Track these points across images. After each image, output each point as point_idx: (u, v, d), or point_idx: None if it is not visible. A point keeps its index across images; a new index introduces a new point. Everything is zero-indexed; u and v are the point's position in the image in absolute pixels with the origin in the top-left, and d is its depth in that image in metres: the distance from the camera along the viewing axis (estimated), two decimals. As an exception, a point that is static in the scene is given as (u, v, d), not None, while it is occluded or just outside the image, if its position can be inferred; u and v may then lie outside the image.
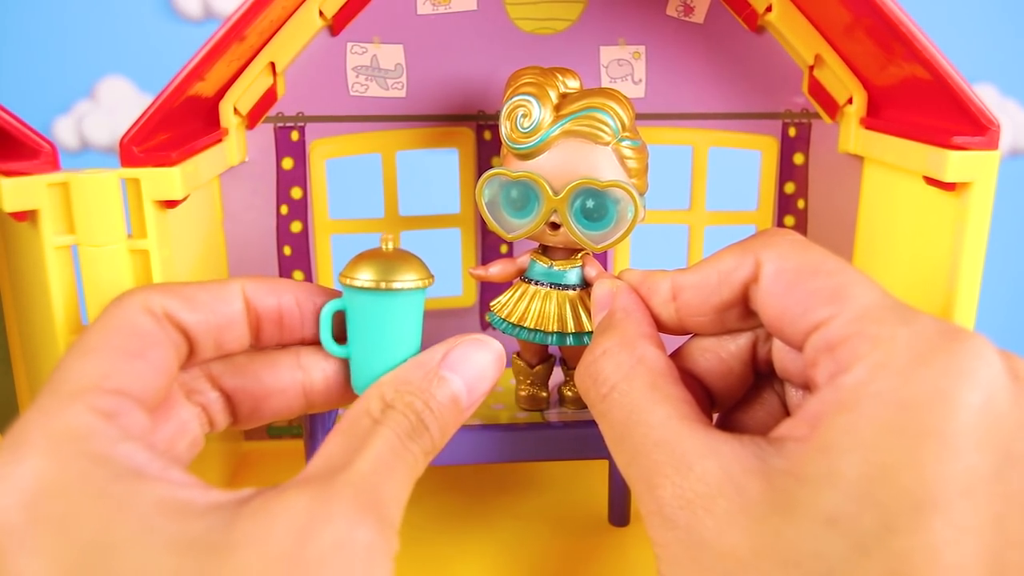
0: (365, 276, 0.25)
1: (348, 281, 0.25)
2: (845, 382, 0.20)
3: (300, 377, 0.26)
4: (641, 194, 0.32)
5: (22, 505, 0.19)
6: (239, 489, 0.21)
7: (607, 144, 0.30)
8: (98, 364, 0.21)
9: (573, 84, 0.32)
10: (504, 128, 0.31)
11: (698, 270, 0.25)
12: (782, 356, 0.25)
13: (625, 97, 0.31)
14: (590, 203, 0.31)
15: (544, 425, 0.34)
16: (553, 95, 0.31)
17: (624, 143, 0.31)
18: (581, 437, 0.33)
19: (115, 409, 0.21)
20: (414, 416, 0.23)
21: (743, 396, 0.27)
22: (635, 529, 0.36)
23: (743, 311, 0.25)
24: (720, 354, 0.26)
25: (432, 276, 0.26)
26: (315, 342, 0.26)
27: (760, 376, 0.27)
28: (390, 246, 0.26)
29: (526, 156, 0.31)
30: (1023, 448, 0.19)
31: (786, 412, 0.26)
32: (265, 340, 0.26)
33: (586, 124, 0.30)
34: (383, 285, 0.25)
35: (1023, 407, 0.20)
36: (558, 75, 0.32)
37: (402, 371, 0.25)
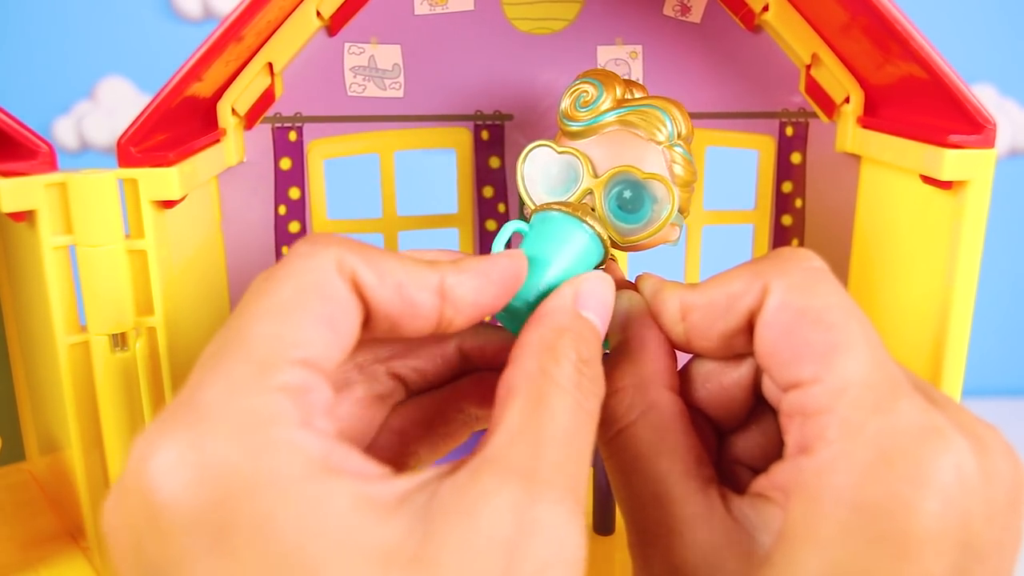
0: (563, 207, 0.28)
1: (545, 206, 0.28)
2: (808, 466, 0.20)
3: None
4: (682, 209, 0.31)
5: (210, 499, 0.17)
6: (417, 472, 0.19)
7: (660, 144, 0.30)
8: (290, 330, 0.19)
9: (639, 95, 0.32)
10: (563, 104, 0.31)
11: (707, 290, 0.24)
12: (769, 385, 0.24)
13: (687, 112, 0.31)
14: (627, 193, 0.30)
15: None
16: (619, 91, 0.31)
17: (677, 149, 0.30)
18: None
19: (304, 384, 0.19)
20: (584, 367, 0.21)
21: (746, 418, 0.26)
22: (620, 537, 0.36)
23: (750, 338, 0.24)
24: (722, 382, 0.25)
25: (610, 249, 0.29)
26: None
27: (760, 398, 0.26)
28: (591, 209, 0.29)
29: (576, 135, 0.30)
30: (988, 537, 0.20)
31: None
32: (455, 328, 0.23)
33: (643, 117, 0.30)
34: (579, 215, 0.27)
35: (992, 484, 0.20)
36: (630, 84, 0.31)
37: (549, 315, 0.23)
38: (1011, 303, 0.81)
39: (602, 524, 0.36)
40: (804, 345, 0.21)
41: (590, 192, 0.30)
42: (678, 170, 0.30)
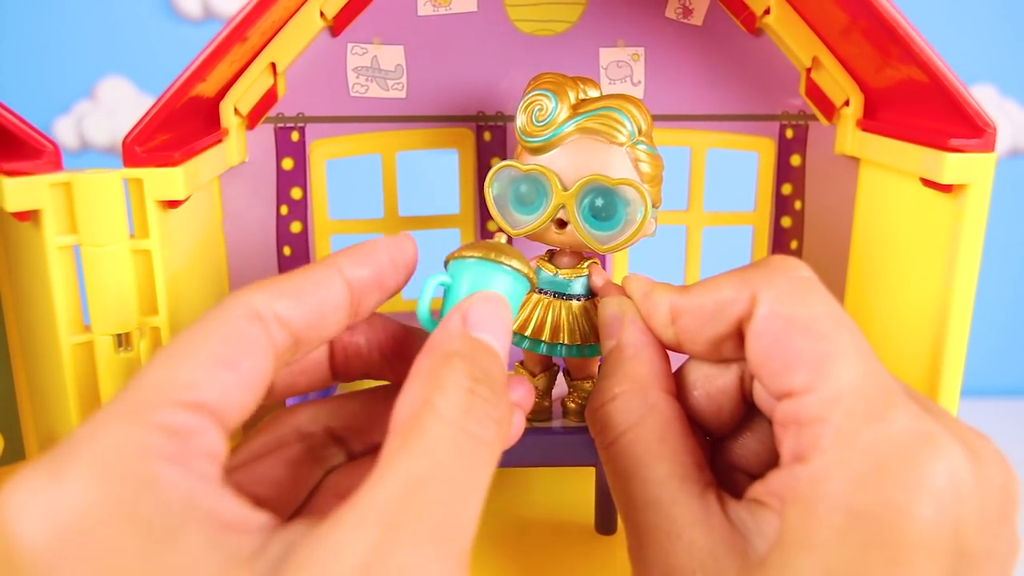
0: (476, 252, 0.26)
1: (458, 254, 0.26)
2: (804, 474, 0.20)
3: (325, 350, 0.25)
4: (654, 204, 0.31)
5: (55, 535, 0.16)
6: (291, 523, 0.18)
7: (622, 145, 0.30)
8: (183, 372, 0.19)
9: (593, 93, 0.32)
10: (519, 120, 0.31)
11: (696, 295, 0.24)
12: (762, 394, 0.24)
13: (644, 105, 0.31)
14: (599, 201, 0.30)
15: (545, 431, 0.34)
16: (572, 96, 0.31)
17: (640, 147, 0.30)
18: (576, 443, 0.33)
19: (187, 426, 0.18)
20: (477, 387, 0.20)
21: (736, 425, 0.26)
22: (621, 538, 0.36)
23: (738, 343, 0.24)
24: (708, 390, 0.25)
25: (535, 280, 0.27)
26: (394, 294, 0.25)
27: (750, 404, 0.26)
28: (503, 239, 0.28)
29: (538, 150, 0.31)
30: (980, 545, 0.20)
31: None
32: (363, 314, 0.24)
33: (602, 122, 0.30)
34: (492, 257, 0.26)
35: (985, 493, 0.20)
36: (580, 83, 0.31)
37: (437, 342, 0.22)
38: (1010, 303, 0.81)
39: (603, 524, 0.36)
40: (795, 354, 0.21)
41: (562, 206, 0.30)
42: (644, 168, 0.30)
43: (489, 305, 0.23)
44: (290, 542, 0.17)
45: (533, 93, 0.31)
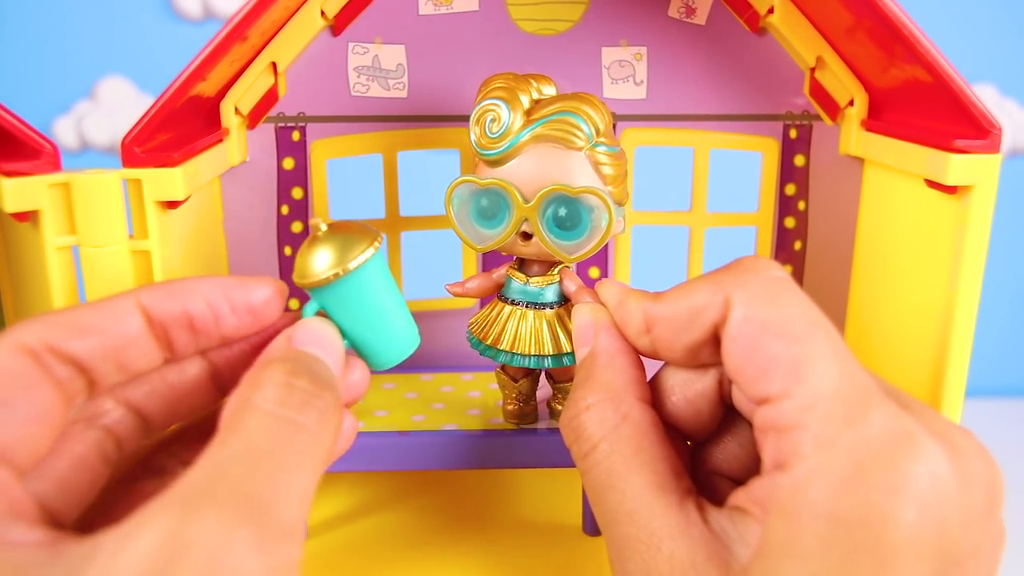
0: (322, 266, 0.24)
1: (308, 281, 0.24)
2: (785, 482, 0.20)
3: (206, 366, 0.25)
4: (619, 203, 0.30)
5: None
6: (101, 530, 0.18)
7: (580, 149, 0.29)
8: None
9: (548, 91, 0.31)
10: (473, 134, 0.30)
11: (670, 302, 0.24)
12: (741, 398, 0.24)
13: (601, 102, 0.30)
14: (562, 211, 0.29)
15: (531, 432, 0.34)
16: (525, 100, 0.30)
17: (599, 148, 0.29)
18: (562, 445, 0.33)
19: None
20: (295, 380, 0.21)
21: (716, 429, 0.26)
22: None
23: (715, 349, 0.23)
24: (686, 395, 0.25)
25: (379, 233, 0.25)
26: (237, 338, 0.24)
27: (730, 408, 0.25)
28: (323, 228, 0.25)
29: (495, 163, 0.30)
30: (966, 543, 0.20)
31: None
32: (181, 350, 0.23)
33: (557, 128, 0.29)
34: (347, 268, 0.24)
35: (968, 490, 0.20)
36: (532, 81, 0.31)
37: (261, 357, 0.23)
38: (1011, 303, 0.81)
39: (590, 525, 0.36)
40: (770, 359, 0.21)
41: (525, 219, 0.29)
42: (606, 170, 0.30)
43: (311, 324, 0.24)
44: (92, 546, 0.17)
45: (484, 103, 0.30)
